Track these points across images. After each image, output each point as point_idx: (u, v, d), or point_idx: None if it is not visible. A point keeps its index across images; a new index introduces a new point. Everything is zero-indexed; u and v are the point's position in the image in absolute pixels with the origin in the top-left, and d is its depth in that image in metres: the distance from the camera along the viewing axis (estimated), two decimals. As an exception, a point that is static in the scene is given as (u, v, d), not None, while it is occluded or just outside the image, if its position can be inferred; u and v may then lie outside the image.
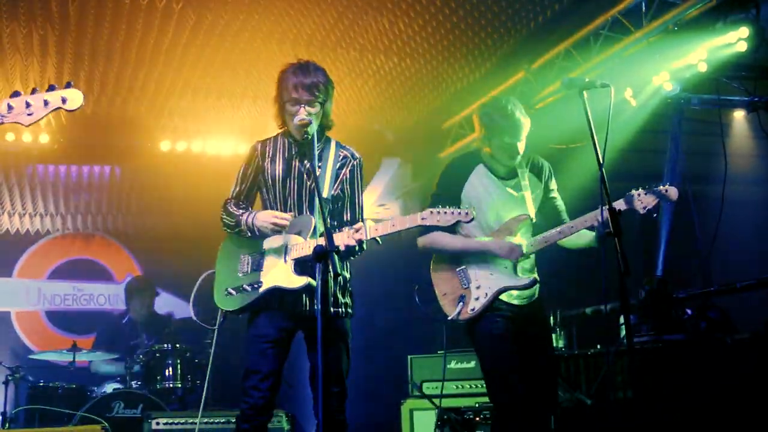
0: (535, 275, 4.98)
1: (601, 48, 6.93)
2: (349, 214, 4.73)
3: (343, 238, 4.31)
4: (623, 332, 6.91)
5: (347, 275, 4.68)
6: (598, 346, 7.18)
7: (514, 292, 4.90)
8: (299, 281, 4.40)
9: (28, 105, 3.54)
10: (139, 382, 7.70)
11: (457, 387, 7.28)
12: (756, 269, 6.97)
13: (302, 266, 4.45)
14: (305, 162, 4.62)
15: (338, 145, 4.77)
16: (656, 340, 6.53)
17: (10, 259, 10.44)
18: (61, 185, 10.14)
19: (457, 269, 5.01)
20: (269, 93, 8.35)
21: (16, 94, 3.60)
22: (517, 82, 7.93)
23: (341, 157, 4.73)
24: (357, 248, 4.44)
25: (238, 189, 4.78)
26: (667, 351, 6.36)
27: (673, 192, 4.74)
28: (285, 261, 4.47)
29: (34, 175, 9.94)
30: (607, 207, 4.09)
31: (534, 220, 5.02)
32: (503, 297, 4.87)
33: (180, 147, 9.71)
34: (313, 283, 4.28)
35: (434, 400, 7.00)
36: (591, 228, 4.84)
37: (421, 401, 7.20)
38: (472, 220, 4.40)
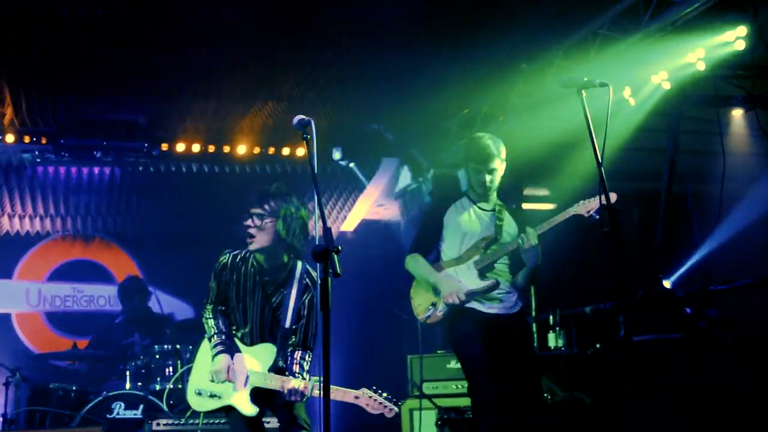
0: (497, 279, 5.43)
1: (599, 47, 6.92)
2: (300, 340, 5.08)
3: (294, 386, 4.84)
4: (623, 331, 6.92)
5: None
6: (598, 345, 7.20)
7: (493, 303, 5.41)
8: (252, 410, 4.93)
9: None
10: (139, 384, 7.70)
11: (457, 387, 7.29)
12: (755, 268, 6.97)
13: (258, 395, 4.95)
14: (268, 290, 5.09)
15: (303, 270, 5.14)
16: (655, 338, 6.54)
17: (10, 261, 10.43)
18: (61, 187, 10.13)
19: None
20: (266, 94, 8.42)
21: None
22: (515, 81, 7.93)
23: (303, 286, 5.11)
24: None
25: (214, 296, 5.20)
26: (666, 349, 6.37)
27: (612, 196, 4.91)
28: (245, 385, 4.96)
29: (34, 177, 9.93)
30: (606, 206, 4.10)
31: (499, 239, 5.50)
32: (480, 307, 5.38)
33: (179, 148, 9.69)
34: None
35: (433, 400, 7.01)
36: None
37: (422, 401, 7.20)
38: (394, 414, 5.01)
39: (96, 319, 10.22)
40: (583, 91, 4.32)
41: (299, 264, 5.16)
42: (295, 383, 4.84)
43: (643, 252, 8.96)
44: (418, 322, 5.67)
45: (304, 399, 4.89)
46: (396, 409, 4.97)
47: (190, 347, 7.88)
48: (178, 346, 7.84)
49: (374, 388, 4.96)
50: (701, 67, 7.01)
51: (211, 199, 9.97)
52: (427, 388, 7.33)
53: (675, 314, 6.77)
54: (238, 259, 5.14)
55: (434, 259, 5.64)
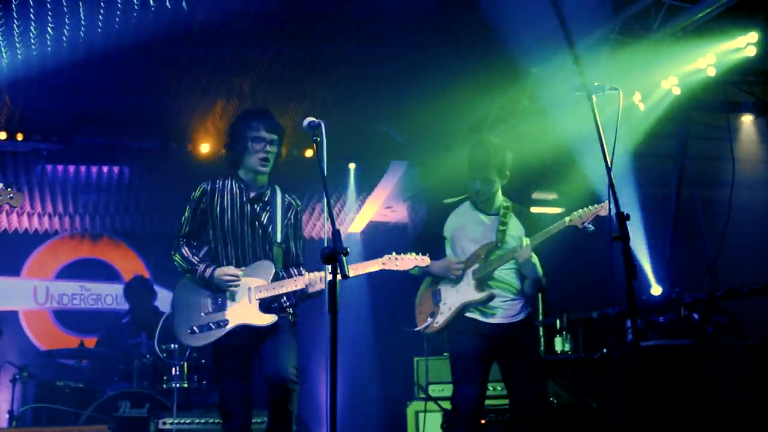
0: (494, 291, 5.36)
1: (610, 51, 6.92)
2: (294, 256, 5.19)
3: (314, 276, 4.89)
4: (630, 336, 6.91)
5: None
6: (605, 350, 7.18)
7: (495, 312, 5.34)
8: (267, 319, 4.89)
9: None
10: (145, 382, 7.72)
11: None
12: (763, 274, 6.94)
13: (266, 306, 4.93)
14: (255, 207, 5.09)
15: (283, 191, 5.22)
16: (663, 344, 6.52)
17: (18, 259, 10.47)
18: (70, 185, 10.16)
19: (433, 290, 5.55)
20: (279, 93, 8.43)
21: None
22: (526, 85, 7.93)
23: (287, 203, 5.19)
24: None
25: (188, 230, 5.15)
26: (673, 355, 6.35)
27: (603, 208, 5.08)
28: (250, 302, 4.90)
29: (43, 175, 9.96)
30: (616, 211, 4.09)
31: (501, 246, 5.41)
32: (480, 317, 5.34)
33: (188, 147, 9.71)
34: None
35: (439, 402, 7.00)
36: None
37: (427, 403, 7.20)
38: (428, 266, 5.14)
39: (103, 318, 10.25)
40: (593, 96, 4.30)
41: (278, 187, 5.23)
42: (313, 274, 4.90)
43: (651, 257, 8.94)
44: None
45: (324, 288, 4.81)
46: (427, 258, 5.07)
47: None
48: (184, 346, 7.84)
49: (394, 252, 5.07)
50: (712, 72, 7.00)
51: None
52: (433, 390, 7.32)
53: (683, 320, 6.76)
54: (218, 184, 5.14)
55: None
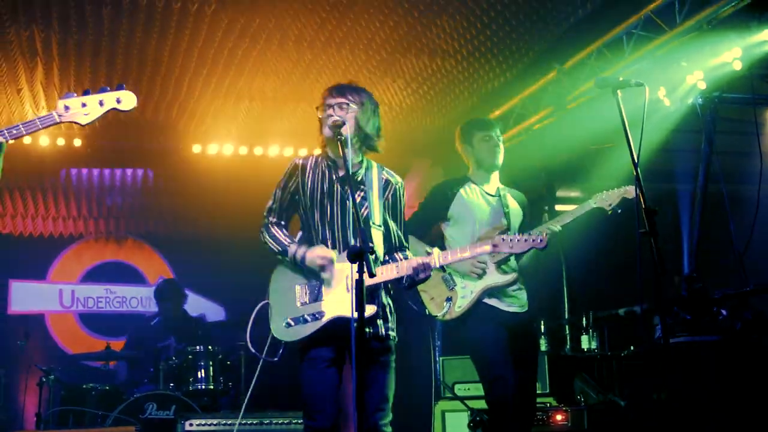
0: (517, 274, 5.23)
1: (633, 47, 6.86)
2: (396, 240, 4.63)
3: (419, 261, 4.37)
4: (658, 333, 6.87)
5: (391, 302, 4.61)
6: (632, 348, 7.13)
7: (512, 300, 5.22)
8: (367, 310, 4.16)
9: (83, 105, 3.67)
10: (171, 384, 7.74)
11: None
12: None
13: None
14: (346, 186, 4.46)
15: (380, 168, 4.67)
16: (692, 341, 6.48)
17: (44, 263, 10.53)
18: (94, 188, 10.22)
19: (443, 275, 5.30)
20: (300, 96, 8.44)
21: (68, 95, 3.71)
22: (549, 81, 7.87)
23: (384, 182, 4.62)
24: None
25: (278, 208, 4.62)
26: (702, 352, 6.30)
27: (631, 190, 5.01)
28: (347, 290, 4.35)
29: (68, 179, 10.01)
30: (643, 207, 4.05)
31: (509, 230, 5.25)
32: (500, 305, 5.17)
33: (212, 150, 9.74)
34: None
35: (465, 402, 6.98)
36: None
37: (453, 402, 7.18)
38: (546, 246, 4.55)
39: (129, 321, 10.29)
40: (618, 92, 4.26)
41: (374, 163, 4.67)
42: (417, 259, 4.39)
43: (675, 253, 8.87)
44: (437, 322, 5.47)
45: (431, 271, 4.41)
46: (546, 237, 4.51)
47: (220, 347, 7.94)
48: (210, 348, 7.86)
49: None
50: (738, 66, 6.93)
51: (244, 201, 10.03)
52: (460, 389, 7.30)
53: (711, 316, 6.71)
54: (310, 160, 4.60)
55: (440, 246, 5.27)
